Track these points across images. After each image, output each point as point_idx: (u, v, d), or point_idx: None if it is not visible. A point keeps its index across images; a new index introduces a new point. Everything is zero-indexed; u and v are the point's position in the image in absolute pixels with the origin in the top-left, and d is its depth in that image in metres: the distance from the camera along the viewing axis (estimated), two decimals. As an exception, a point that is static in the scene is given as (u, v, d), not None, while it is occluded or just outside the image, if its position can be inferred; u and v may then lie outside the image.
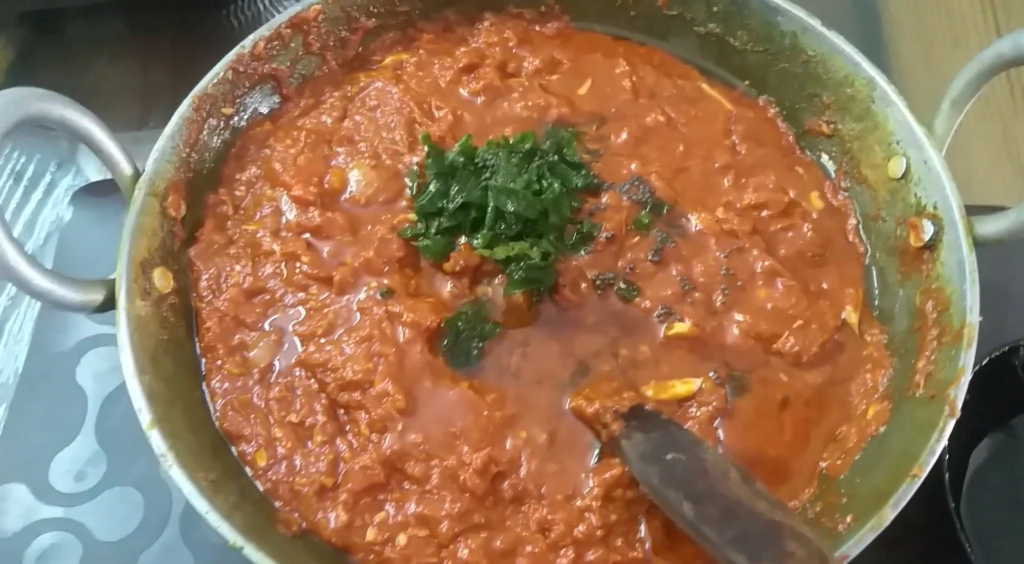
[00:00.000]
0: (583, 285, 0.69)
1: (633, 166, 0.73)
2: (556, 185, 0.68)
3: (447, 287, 0.69)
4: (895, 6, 1.04)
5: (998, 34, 1.04)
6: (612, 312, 0.68)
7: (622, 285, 0.69)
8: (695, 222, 0.71)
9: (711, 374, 0.66)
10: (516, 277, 0.67)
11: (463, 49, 0.79)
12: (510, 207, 0.67)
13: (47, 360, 0.85)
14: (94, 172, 0.97)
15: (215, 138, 0.74)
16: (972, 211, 0.66)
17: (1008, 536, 0.73)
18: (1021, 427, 0.77)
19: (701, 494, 0.56)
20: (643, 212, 0.71)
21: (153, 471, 0.79)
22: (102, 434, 0.81)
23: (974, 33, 1.04)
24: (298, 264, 0.69)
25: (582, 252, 0.69)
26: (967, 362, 0.60)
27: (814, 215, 0.74)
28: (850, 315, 0.70)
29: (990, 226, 0.64)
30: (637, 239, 0.70)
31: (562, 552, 0.60)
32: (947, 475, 0.65)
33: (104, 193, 0.93)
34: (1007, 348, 0.71)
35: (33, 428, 0.82)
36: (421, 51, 0.80)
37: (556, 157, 0.71)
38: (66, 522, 0.78)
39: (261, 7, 1.07)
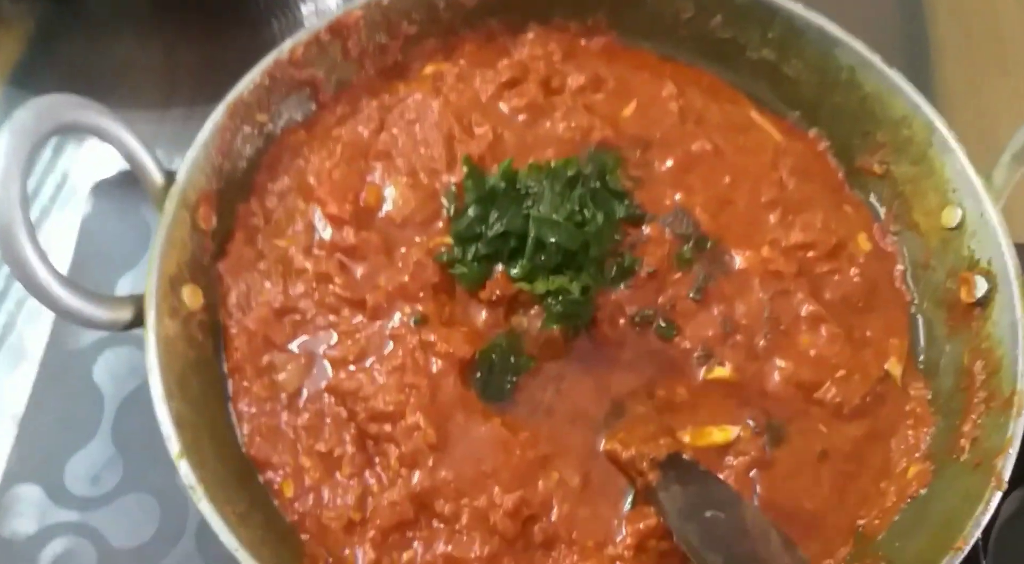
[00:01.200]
0: (621, 321, 0.67)
1: (677, 196, 0.71)
2: (599, 217, 0.66)
3: (481, 316, 0.67)
4: (944, 30, 1.01)
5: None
6: (650, 350, 0.67)
7: (662, 323, 0.67)
8: (739, 260, 0.69)
9: (749, 422, 0.65)
10: (554, 311, 0.65)
11: (506, 62, 0.76)
12: (551, 238, 0.65)
13: (64, 357, 0.83)
14: (115, 163, 0.94)
15: (248, 146, 0.72)
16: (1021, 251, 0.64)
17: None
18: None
19: (741, 558, 0.55)
20: (686, 247, 0.69)
21: (170, 478, 0.76)
22: (119, 437, 0.80)
23: (1022, 60, 1.02)
24: (331, 285, 0.67)
25: (621, 286, 0.67)
26: (1017, 431, 0.59)
27: (861, 259, 0.72)
28: (894, 366, 0.68)
29: (1048, 289, 0.62)
30: (679, 275, 0.68)
31: None
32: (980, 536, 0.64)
33: (125, 184, 0.91)
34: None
35: (49, 427, 0.80)
36: (462, 61, 0.77)
37: (599, 183, 0.69)
38: (81, 527, 0.76)
39: (289, -12, 1.04)
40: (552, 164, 0.69)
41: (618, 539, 0.61)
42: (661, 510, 0.60)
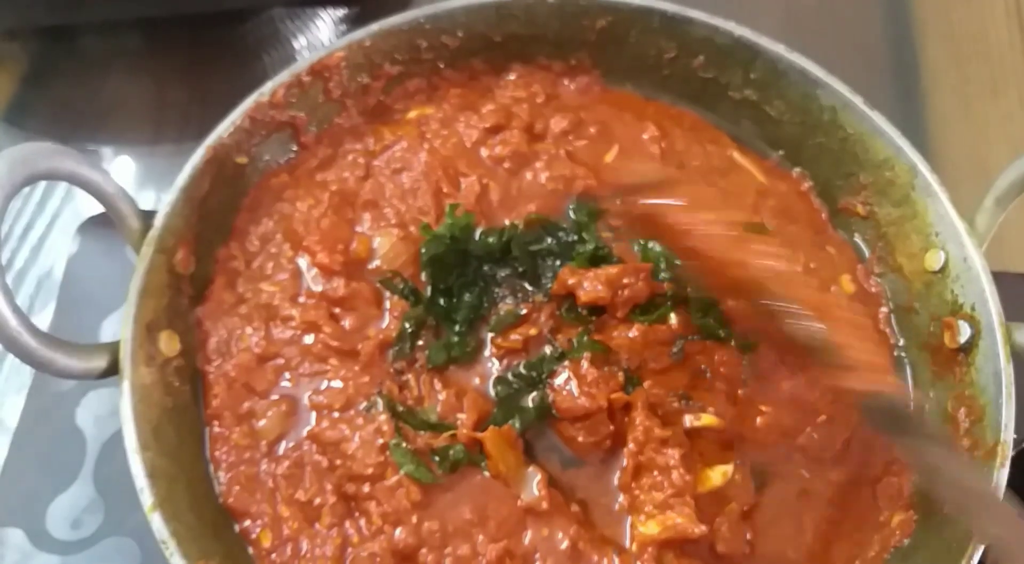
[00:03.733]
0: None
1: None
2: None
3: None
4: (935, 55, 1.01)
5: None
6: None
7: None
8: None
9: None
10: None
11: (490, 107, 0.76)
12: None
13: (47, 399, 0.83)
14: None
15: (228, 189, 0.72)
16: (1006, 279, 0.64)
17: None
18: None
19: None
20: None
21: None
22: (100, 480, 0.79)
23: (1014, 82, 1.02)
24: (320, 335, 0.66)
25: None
26: (1000, 483, 0.58)
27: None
28: None
29: (1031, 336, 0.62)
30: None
31: None
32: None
33: (111, 223, 0.91)
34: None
35: (32, 470, 0.79)
36: (446, 105, 0.77)
37: (576, 238, 0.70)
38: (62, 572, 0.76)
39: (278, 25, 1.04)
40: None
41: None
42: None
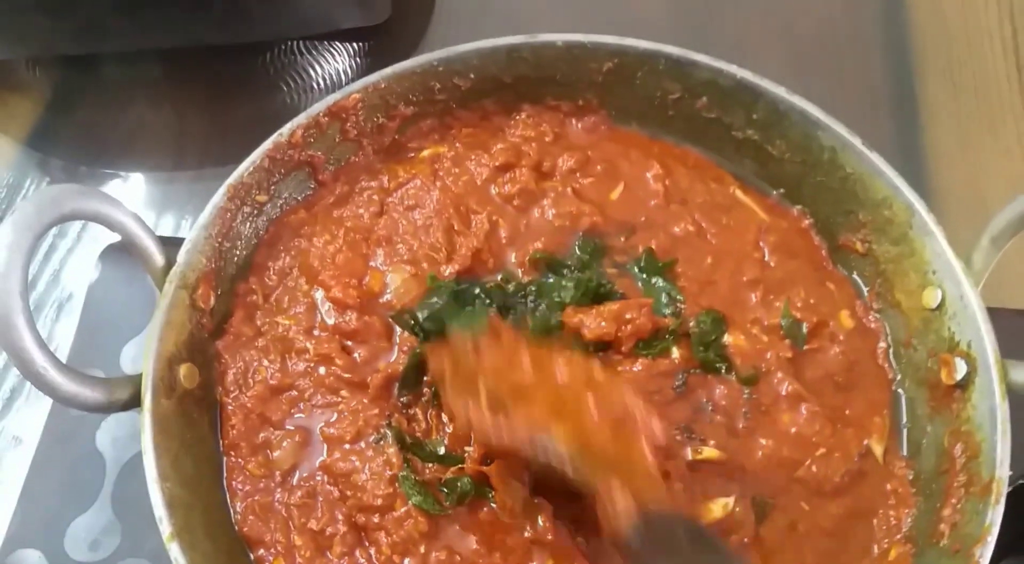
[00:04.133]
0: None
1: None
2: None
3: None
4: (934, 90, 1.03)
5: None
6: None
7: None
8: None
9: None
10: None
11: (500, 146, 0.78)
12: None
13: (67, 422, 0.85)
14: (123, 229, 0.97)
15: (248, 225, 0.74)
16: (1002, 315, 0.65)
17: None
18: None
19: None
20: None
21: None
22: (118, 503, 0.81)
23: (1011, 119, 1.03)
24: (332, 367, 0.69)
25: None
26: (995, 519, 0.59)
27: (843, 336, 0.73)
28: (875, 445, 0.69)
29: (1026, 374, 0.63)
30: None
31: None
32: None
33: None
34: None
35: (51, 492, 0.82)
36: (458, 144, 0.80)
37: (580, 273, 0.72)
38: (79, 593, 0.78)
39: (296, 55, 1.07)
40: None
41: None
42: None
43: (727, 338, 0.69)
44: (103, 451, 0.84)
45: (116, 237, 0.94)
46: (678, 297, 0.70)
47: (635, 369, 0.67)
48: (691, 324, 0.69)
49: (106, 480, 0.83)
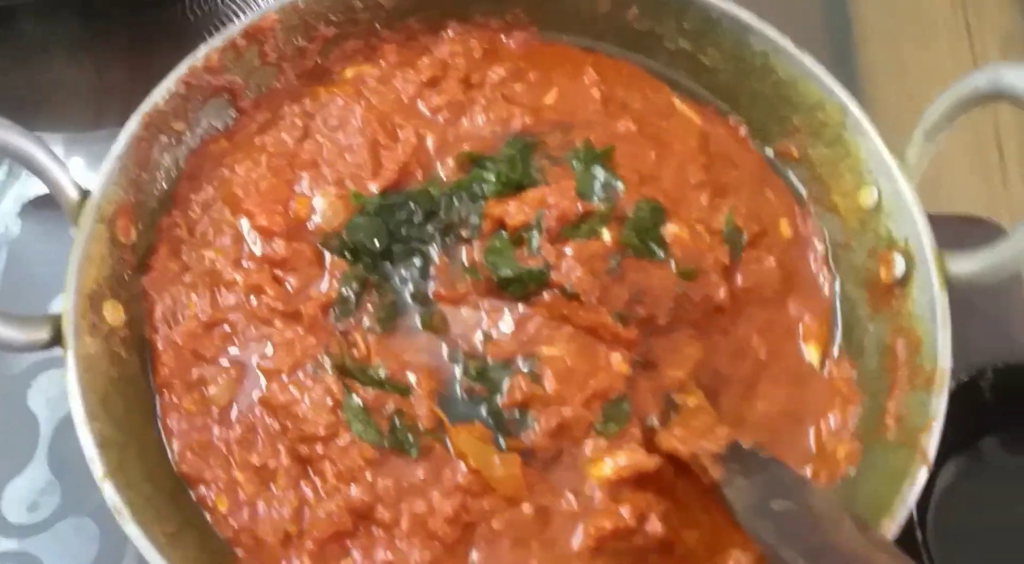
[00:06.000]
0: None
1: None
2: None
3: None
4: (866, 7, 1.03)
5: (968, 36, 1.04)
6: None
7: None
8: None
9: None
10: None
11: (426, 60, 0.76)
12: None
13: (-4, 385, 0.82)
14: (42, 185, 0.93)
15: (166, 156, 0.71)
16: (941, 222, 0.66)
17: (974, 557, 0.74)
18: (987, 449, 0.77)
19: (816, 550, 0.52)
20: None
21: (108, 501, 0.77)
22: (55, 462, 0.79)
23: (944, 34, 1.04)
24: (263, 297, 0.66)
25: None
26: (939, 408, 0.60)
27: (779, 247, 0.72)
28: (812, 351, 0.70)
29: (963, 265, 0.63)
30: None
31: None
32: (915, 510, 0.65)
33: (54, 206, 0.89)
34: (976, 372, 0.72)
35: (-17, 457, 0.79)
36: (383, 62, 0.77)
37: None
38: (20, 555, 0.75)
39: (218, 2, 1.02)
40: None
41: (575, 542, 0.61)
42: (729, 507, 0.58)
43: (671, 227, 0.68)
44: (36, 411, 0.81)
45: (35, 192, 0.92)
46: (617, 183, 0.68)
47: (567, 252, 0.65)
48: (628, 211, 0.67)
49: (40, 440, 0.80)
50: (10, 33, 1.00)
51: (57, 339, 0.61)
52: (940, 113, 0.66)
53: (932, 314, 0.63)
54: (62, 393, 0.79)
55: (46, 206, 0.89)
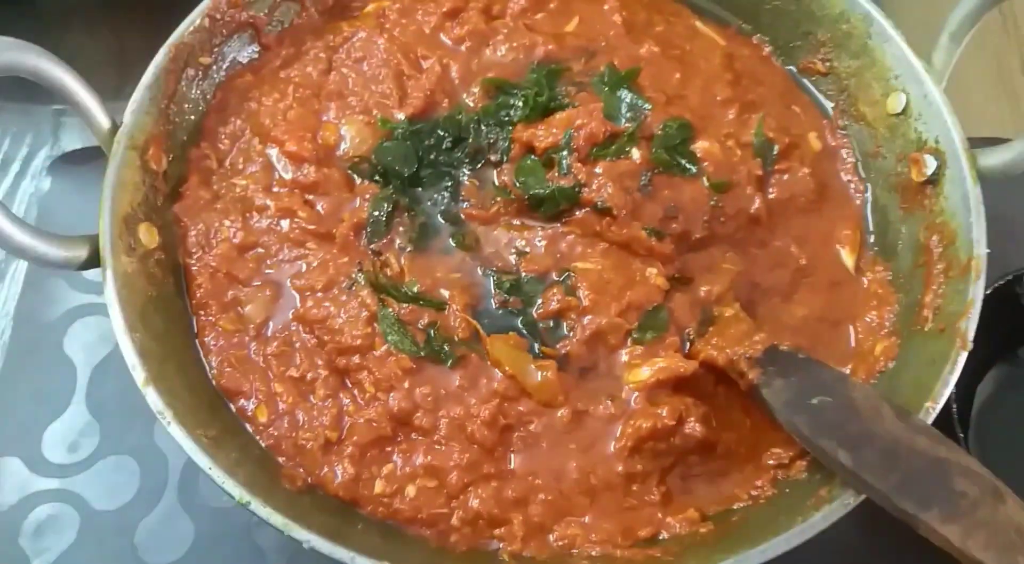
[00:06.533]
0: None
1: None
2: None
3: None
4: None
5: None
6: None
7: None
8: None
9: None
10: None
11: (446, -7, 0.76)
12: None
13: (34, 332, 0.83)
14: (70, 142, 0.94)
15: (194, 89, 0.72)
16: (971, 144, 0.65)
17: (1017, 467, 0.72)
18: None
19: (856, 438, 0.53)
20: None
21: (148, 438, 0.78)
22: (93, 404, 0.80)
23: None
24: (295, 220, 0.67)
25: None
26: (976, 294, 0.60)
27: (810, 159, 0.72)
28: (847, 257, 0.69)
29: (993, 158, 0.63)
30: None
31: (576, 498, 0.60)
32: (955, 407, 0.64)
33: (82, 161, 0.91)
34: (1011, 277, 0.71)
35: (23, 401, 0.80)
36: (403, -3, 0.77)
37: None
38: (62, 493, 0.76)
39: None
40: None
41: (612, 446, 0.61)
42: (768, 407, 0.59)
43: (700, 143, 0.68)
44: (72, 356, 0.82)
45: (62, 151, 0.93)
46: (644, 105, 0.68)
47: (596, 171, 0.65)
48: (656, 130, 0.67)
49: (78, 384, 0.81)
50: (29, 7, 1.02)
51: (95, 259, 0.61)
52: (964, 14, 0.66)
53: (965, 207, 0.63)
54: (98, 338, 0.82)
55: (73, 162, 0.91)
